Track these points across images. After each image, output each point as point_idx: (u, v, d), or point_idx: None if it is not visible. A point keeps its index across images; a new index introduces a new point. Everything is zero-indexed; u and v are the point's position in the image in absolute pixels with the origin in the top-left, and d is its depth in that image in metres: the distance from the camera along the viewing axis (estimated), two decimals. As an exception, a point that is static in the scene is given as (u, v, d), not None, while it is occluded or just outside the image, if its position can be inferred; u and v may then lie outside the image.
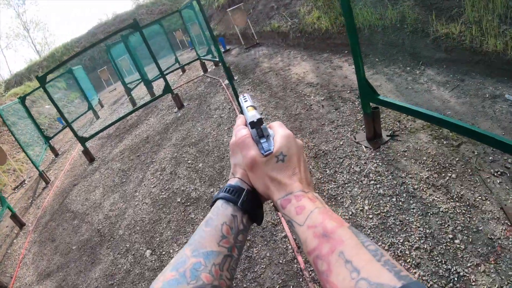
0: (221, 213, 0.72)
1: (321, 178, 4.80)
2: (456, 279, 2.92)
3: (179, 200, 5.86)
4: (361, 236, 0.55)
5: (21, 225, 8.11)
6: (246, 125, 0.82)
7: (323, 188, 4.59)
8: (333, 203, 4.26)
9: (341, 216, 3.85)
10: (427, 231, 3.42)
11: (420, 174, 4.12)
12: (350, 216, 3.88)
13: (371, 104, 4.56)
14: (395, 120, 5.23)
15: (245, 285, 3.97)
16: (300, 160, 0.74)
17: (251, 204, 0.75)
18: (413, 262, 3.16)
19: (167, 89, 9.56)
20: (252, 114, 0.79)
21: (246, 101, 0.93)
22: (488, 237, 3.17)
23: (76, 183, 8.69)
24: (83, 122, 15.06)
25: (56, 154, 12.10)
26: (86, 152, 9.35)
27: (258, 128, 0.76)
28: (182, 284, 0.58)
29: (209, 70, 13.20)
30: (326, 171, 4.87)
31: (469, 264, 3.01)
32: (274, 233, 4.37)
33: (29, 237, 7.44)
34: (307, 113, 6.55)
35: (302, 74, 8.35)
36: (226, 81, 10.12)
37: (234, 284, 4.01)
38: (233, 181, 0.78)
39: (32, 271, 6.32)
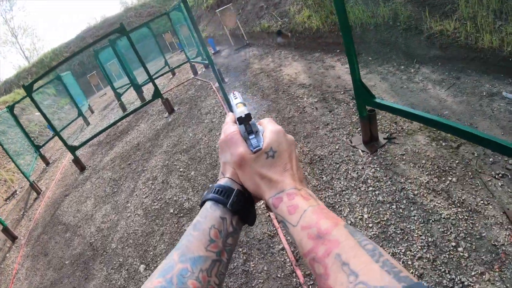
0: (209, 215, 0.69)
1: (317, 185, 4.67)
2: None
3: (172, 211, 5.71)
4: (358, 235, 0.53)
5: (13, 238, 7.92)
6: (235, 122, 0.79)
7: (320, 196, 4.45)
8: (331, 211, 4.13)
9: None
10: (429, 239, 3.32)
11: (420, 178, 4.00)
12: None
13: (367, 106, 4.43)
14: (392, 122, 5.11)
15: None
16: (292, 156, 0.71)
17: (241, 204, 0.71)
18: (416, 272, 3.07)
19: (157, 94, 9.38)
20: (241, 110, 0.77)
21: (236, 98, 0.90)
22: (492, 243, 3.07)
23: (68, 194, 8.50)
24: (73, 129, 14.81)
25: (47, 163, 11.87)
26: (76, 161, 9.16)
27: (246, 124, 0.73)
28: None
29: (199, 72, 13.00)
30: (323, 177, 4.74)
31: (473, 273, 2.92)
32: (271, 245, 4.24)
33: (22, 251, 7.25)
34: (300, 116, 6.41)
35: (294, 75, 8.21)
36: (217, 84, 9.95)
37: None
38: (222, 181, 0.75)
39: (26, 287, 6.15)
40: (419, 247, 3.28)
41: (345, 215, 3.98)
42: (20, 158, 11.43)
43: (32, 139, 12.64)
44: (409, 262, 3.18)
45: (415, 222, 3.53)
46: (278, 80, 8.35)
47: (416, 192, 3.87)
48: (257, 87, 8.58)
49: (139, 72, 13.69)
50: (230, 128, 0.76)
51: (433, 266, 3.06)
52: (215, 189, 0.72)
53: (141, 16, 34.72)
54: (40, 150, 11.87)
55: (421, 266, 3.11)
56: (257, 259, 4.15)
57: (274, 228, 4.42)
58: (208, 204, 0.71)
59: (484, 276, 2.87)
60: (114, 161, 8.74)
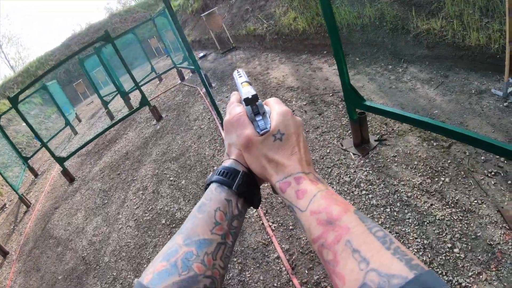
0: (214, 198, 0.67)
1: None
2: None
3: (163, 221, 5.64)
4: (368, 221, 0.52)
5: (4, 254, 7.78)
6: (240, 102, 0.77)
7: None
8: None
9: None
10: (425, 241, 3.31)
11: (413, 180, 4.00)
12: (344, 231, 3.73)
13: (357, 109, 4.41)
14: (382, 123, 5.11)
15: None
16: (300, 139, 0.69)
17: (247, 187, 0.70)
18: None
19: (144, 101, 9.29)
20: (247, 90, 0.74)
21: (240, 76, 0.87)
22: (488, 243, 3.08)
23: (58, 206, 8.38)
24: (61, 139, 14.61)
25: (36, 175, 11.68)
26: (65, 172, 9.04)
27: (253, 105, 0.71)
28: (173, 275, 0.55)
29: (186, 77, 12.91)
30: None
31: (470, 274, 2.92)
32: (266, 254, 4.20)
33: (14, 267, 7.12)
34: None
35: (281, 78, 8.17)
36: (204, 89, 9.88)
37: None
38: (227, 163, 0.73)
39: (18, 307, 6.05)
40: (415, 250, 3.27)
41: None
42: (8, 171, 11.26)
43: (19, 150, 12.45)
44: None
45: (410, 224, 3.53)
46: (265, 84, 8.31)
47: (409, 194, 3.86)
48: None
49: (125, 78, 13.57)
50: (236, 109, 0.73)
51: (430, 268, 3.03)
52: (220, 171, 0.70)
53: (126, 22, 34.50)
54: (28, 161, 11.68)
55: None
56: (252, 268, 4.11)
57: (268, 237, 4.38)
58: (213, 186, 0.69)
59: (481, 276, 2.87)
60: (103, 171, 8.63)
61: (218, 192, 0.67)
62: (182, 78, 12.91)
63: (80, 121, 16.19)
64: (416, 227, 3.47)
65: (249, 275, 4.06)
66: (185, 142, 7.60)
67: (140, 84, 9.82)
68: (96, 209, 7.16)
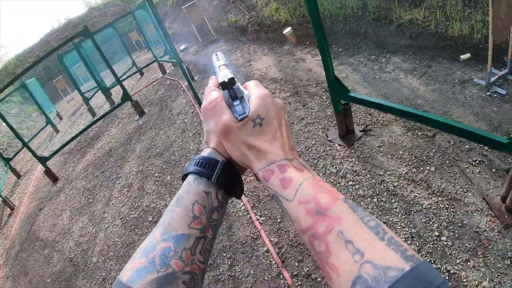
0: (192, 190, 0.65)
1: None
2: (447, 277, 2.91)
3: (150, 219, 5.62)
4: (359, 210, 0.50)
5: (-11, 259, 7.70)
6: (218, 87, 0.74)
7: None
8: None
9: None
10: (413, 230, 3.37)
11: (399, 170, 4.05)
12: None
13: (341, 101, 4.42)
14: (367, 114, 5.15)
15: None
16: (281, 123, 0.66)
17: (227, 177, 0.67)
18: None
19: (126, 96, 9.19)
20: (224, 74, 0.72)
21: (218, 59, 0.85)
22: (474, 230, 3.15)
23: (42, 207, 8.27)
24: (43, 138, 14.41)
25: (18, 176, 11.46)
26: (48, 172, 8.92)
27: (230, 89, 0.68)
28: (151, 273, 0.55)
29: (168, 71, 12.78)
30: None
31: (458, 261, 2.98)
32: (255, 247, 4.21)
33: (1, 272, 7.03)
34: None
35: (264, 70, 8.15)
36: (186, 82, 9.80)
37: None
38: (205, 152, 0.70)
39: (8, 311, 5.99)
40: (403, 239, 3.31)
41: None
42: (-10, 173, 11.10)
43: (0, 151, 12.26)
44: None
45: (397, 214, 3.58)
46: (248, 76, 8.28)
47: (396, 184, 3.91)
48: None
49: (106, 73, 13.35)
50: (212, 94, 0.70)
51: (425, 259, 3.11)
52: (198, 161, 0.67)
53: (105, 15, 33.92)
54: (10, 162, 11.49)
55: None
56: (242, 263, 4.12)
57: (257, 230, 4.39)
58: (191, 177, 0.66)
59: (469, 263, 2.93)
60: (87, 170, 8.54)
61: (196, 185, 0.65)
62: (163, 71, 12.77)
63: (61, 118, 15.96)
64: (404, 217, 3.52)
65: (239, 270, 4.07)
66: (169, 137, 7.56)
67: (121, 79, 9.71)
68: (81, 209, 7.10)
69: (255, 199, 4.87)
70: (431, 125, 3.51)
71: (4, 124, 16.76)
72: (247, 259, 4.13)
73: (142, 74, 14.66)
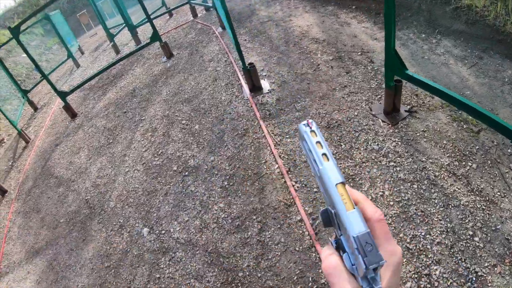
0: None
1: (336, 153, 4.42)
2: (474, 278, 2.88)
3: (175, 168, 5.28)
4: None
5: (2, 192, 7.48)
6: (337, 235, 0.64)
7: (339, 165, 4.20)
8: (351, 184, 3.98)
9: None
10: (448, 225, 3.30)
11: (441, 160, 3.91)
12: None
13: (395, 77, 4.17)
14: (412, 94, 4.86)
15: (259, 274, 3.62)
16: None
17: None
18: (434, 257, 3.09)
19: (155, 36, 8.67)
20: (356, 222, 0.55)
21: (317, 143, 0.65)
22: (505, 237, 3.10)
23: (58, 143, 7.99)
24: (62, 71, 13.98)
25: (35, 109, 11.17)
26: (67, 107, 8.58)
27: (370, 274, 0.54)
28: None
29: (199, 15, 12.06)
30: (341, 145, 4.50)
31: (486, 264, 2.96)
32: (288, 215, 4.01)
33: (13, 207, 6.83)
34: (314, 73, 5.97)
35: (305, 28, 7.55)
36: (220, 29, 9.20)
37: (247, 272, 3.67)
38: None
39: (20, 247, 5.79)
40: (438, 232, 3.27)
41: (365, 189, 3.84)
42: (6, 104, 10.79)
43: (19, 83, 11.93)
44: (428, 246, 3.17)
45: (435, 205, 3.49)
46: (288, 31, 7.69)
47: (437, 173, 3.78)
48: (265, 36, 7.91)
49: (133, 11, 12.80)
50: (329, 259, 0.63)
51: (450, 253, 3.09)
52: None
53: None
54: (28, 94, 11.18)
55: (439, 251, 3.12)
56: (273, 229, 3.91)
57: (291, 197, 4.10)
58: None
59: (496, 269, 2.91)
60: (107, 108, 8.17)
61: None
62: (195, 15, 12.00)
63: (82, 53, 15.45)
64: (441, 209, 3.43)
65: (269, 236, 3.86)
66: (199, 83, 7.09)
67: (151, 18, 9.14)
68: (100, 149, 6.78)
69: (291, 163, 4.57)
70: (481, 120, 3.27)
71: (24, 55, 16.43)
72: (279, 226, 3.92)
73: (171, 15, 13.88)
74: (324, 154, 0.63)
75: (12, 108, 10.61)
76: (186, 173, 5.10)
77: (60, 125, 8.86)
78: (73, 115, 8.70)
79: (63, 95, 8.38)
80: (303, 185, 4.22)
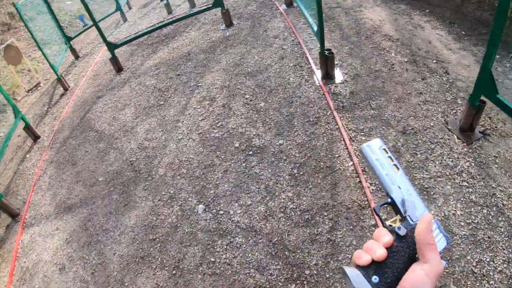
0: None
1: (412, 161, 4.14)
2: None
3: (237, 145, 4.81)
4: None
5: (35, 137, 7.12)
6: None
7: (414, 175, 3.99)
8: (426, 197, 3.80)
9: (434, 215, 3.43)
10: (510, 255, 3.18)
11: (509, 189, 3.71)
12: (442, 218, 3.53)
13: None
14: (486, 116, 4.51)
15: (327, 275, 3.35)
16: None
17: None
18: (495, 285, 3.00)
19: (218, 2, 8.14)
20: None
21: (394, 166, 0.78)
22: None
23: (101, 95, 7.57)
24: (107, 24, 13.54)
25: (77, 57, 10.76)
26: (114, 60, 8.15)
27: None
28: None
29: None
30: (417, 154, 4.22)
31: None
32: (361, 217, 3.73)
33: (45, 155, 6.45)
34: (389, 73, 5.53)
35: (378, 22, 6.96)
36: (284, 6, 8.60)
37: (314, 271, 3.38)
38: None
39: (49, 199, 5.42)
40: (501, 261, 3.17)
41: (439, 205, 3.65)
42: (47, 48, 10.40)
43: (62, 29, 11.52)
44: (491, 273, 3.08)
45: (500, 234, 3.37)
46: (359, 22, 7.12)
47: (505, 202, 3.61)
48: (334, 23, 7.32)
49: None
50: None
51: (509, 283, 3.01)
52: None
53: None
54: (71, 42, 10.76)
55: (499, 279, 3.03)
56: (345, 229, 3.65)
57: (366, 199, 3.77)
58: None
59: None
60: (158, 68, 7.69)
61: None
62: None
63: (130, 8, 14.95)
64: (506, 238, 3.32)
65: (340, 236, 3.60)
66: (263, 59, 6.57)
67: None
68: (149, 109, 6.33)
69: (365, 163, 4.03)
70: None
71: (68, 2, 16.05)
72: (351, 227, 3.64)
73: None
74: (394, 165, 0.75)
75: (53, 54, 10.19)
76: (250, 152, 4.64)
77: (103, 77, 8.44)
78: (119, 69, 8.27)
79: (112, 46, 7.94)
80: (378, 188, 3.92)
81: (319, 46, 5.23)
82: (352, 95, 5.18)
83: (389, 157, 0.76)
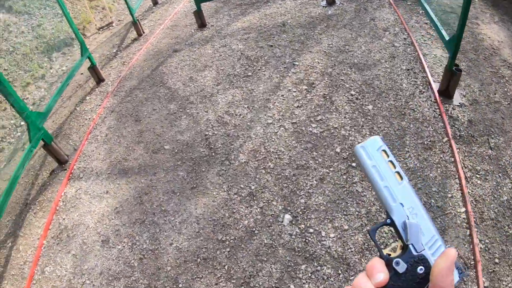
0: None
1: None
2: None
3: (338, 150, 4.04)
4: None
5: (99, 80, 6.56)
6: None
7: None
8: None
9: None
10: None
11: None
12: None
13: None
14: None
15: None
16: None
17: None
18: None
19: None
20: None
21: (391, 164, 0.64)
22: None
23: (178, 49, 6.88)
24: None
25: (155, 3, 10.12)
26: (198, 14, 7.43)
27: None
28: None
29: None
30: None
31: None
32: (464, 278, 2.71)
33: (106, 101, 5.86)
34: (508, 108, 4.61)
35: (496, 43, 5.91)
36: None
37: None
38: None
39: (103, 154, 4.84)
40: None
41: None
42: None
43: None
44: None
45: None
46: (476, 37, 6.09)
47: None
48: (449, 30, 6.29)
49: None
50: (377, 276, 0.57)
51: None
52: None
53: None
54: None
55: None
56: None
57: (473, 258, 3.17)
58: None
59: None
60: (248, 33, 6.89)
61: None
62: None
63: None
64: None
65: None
66: (371, 51, 5.68)
67: None
68: (233, 77, 5.59)
69: (478, 214, 3.49)
70: None
71: None
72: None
73: None
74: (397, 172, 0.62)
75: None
76: (353, 164, 3.84)
77: (183, 30, 7.74)
78: (202, 24, 7.55)
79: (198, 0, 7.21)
80: (487, 247, 3.26)
81: (448, 57, 4.33)
82: (470, 124, 4.31)
83: (390, 161, 0.62)
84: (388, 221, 0.59)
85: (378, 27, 6.35)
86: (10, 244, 4.38)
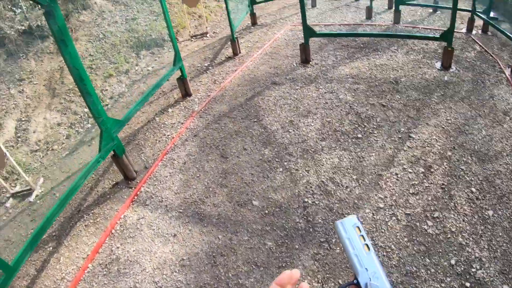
0: None
1: None
2: None
3: (453, 261, 3.43)
4: None
5: (186, 93, 6.28)
6: None
7: None
8: None
9: None
10: None
11: None
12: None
13: None
14: None
15: None
16: None
17: None
18: None
19: (447, 35, 6.37)
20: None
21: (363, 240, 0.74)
22: None
23: (278, 83, 6.44)
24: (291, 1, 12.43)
25: (254, 23, 9.85)
26: (304, 48, 6.99)
27: None
28: None
29: (474, 32, 9.10)
30: None
31: None
32: None
33: (190, 122, 5.51)
34: None
35: None
36: (509, 71, 6.48)
37: None
38: None
39: (177, 186, 4.69)
40: None
41: None
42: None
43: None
44: None
45: None
46: None
47: None
48: None
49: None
50: None
51: None
52: None
53: None
54: (254, 6, 9.80)
55: None
56: None
57: None
58: None
59: None
60: (357, 83, 6.34)
61: None
62: (470, 28, 8.95)
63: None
64: None
65: None
66: (493, 139, 4.95)
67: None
68: (341, 136, 5.06)
69: None
70: None
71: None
72: None
73: (435, 10, 11.35)
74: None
75: (231, 11, 9.30)
76: (468, 284, 3.21)
77: (284, 61, 7.33)
78: (306, 60, 7.14)
79: (309, 32, 6.82)
80: None
81: None
82: None
83: (361, 235, 0.72)
84: (355, 281, 0.67)
85: (498, 109, 5.64)
86: (51, 248, 4.08)
